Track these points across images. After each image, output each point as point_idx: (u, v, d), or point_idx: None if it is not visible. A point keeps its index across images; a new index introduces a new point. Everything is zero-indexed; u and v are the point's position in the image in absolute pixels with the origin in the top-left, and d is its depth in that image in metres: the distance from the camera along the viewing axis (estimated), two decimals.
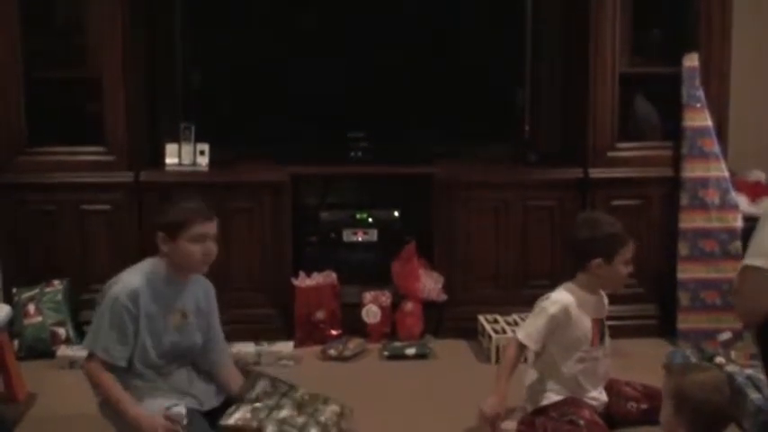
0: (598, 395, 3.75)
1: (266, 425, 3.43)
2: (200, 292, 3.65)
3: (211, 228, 3.53)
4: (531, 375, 3.80)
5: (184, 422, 3.37)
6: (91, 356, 3.45)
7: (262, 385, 3.58)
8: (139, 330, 3.44)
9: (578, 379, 3.72)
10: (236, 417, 3.45)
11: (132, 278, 3.47)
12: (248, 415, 3.46)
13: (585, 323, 3.71)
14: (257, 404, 3.51)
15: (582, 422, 3.55)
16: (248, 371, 3.78)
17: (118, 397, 3.41)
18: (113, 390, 3.42)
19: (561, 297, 3.71)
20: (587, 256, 3.67)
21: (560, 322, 3.67)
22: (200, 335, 3.64)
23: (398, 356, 4.69)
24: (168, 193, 3.65)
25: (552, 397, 3.68)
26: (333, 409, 3.63)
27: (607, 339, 3.82)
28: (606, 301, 3.83)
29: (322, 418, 3.55)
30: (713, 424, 2.96)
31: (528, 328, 3.72)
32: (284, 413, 3.51)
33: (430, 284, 4.86)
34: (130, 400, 3.41)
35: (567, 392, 3.68)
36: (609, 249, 3.64)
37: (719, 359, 4.32)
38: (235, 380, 3.70)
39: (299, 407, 3.56)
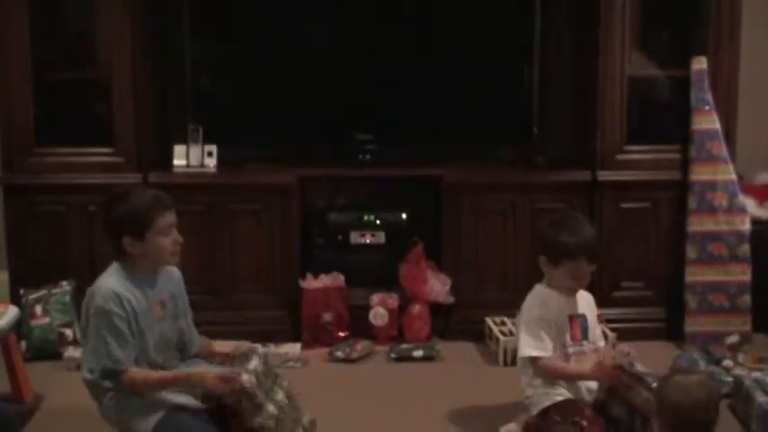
0: (591, 384, 3.73)
1: (266, 403, 3.43)
2: (170, 278, 3.63)
3: (174, 216, 3.48)
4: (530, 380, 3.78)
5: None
6: (114, 374, 3.39)
7: (255, 363, 3.54)
8: (133, 330, 3.43)
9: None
10: (244, 378, 3.40)
11: (108, 284, 3.41)
12: (254, 381, 3.41)
13: (561, 318, 3.71)
14: (260, 377, 3.48)
15: (585, 423, 3.55)
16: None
17: (162, 378, 3.42)
18: (157, 379, 3.42)
19: (533, 297, 3.78)
20: (541, 251, 3.75)
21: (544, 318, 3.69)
22: (183, 319, 3.65)
23: (405, 359, 4.69)
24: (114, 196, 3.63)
25: (554, 398, 3.67)
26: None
27: (596, 334, 3.81)
28: (583, 297, 3.79)
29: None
30: (684, 425, 2.93)
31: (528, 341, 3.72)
32: (279, 396, 3.52)
33: (437, 287, 4.86)
34: (172, 372, 3.45)
35: (565, 391, 3.68)
36: (555, 255, 3.67)
37: (727, 362, 4.32)
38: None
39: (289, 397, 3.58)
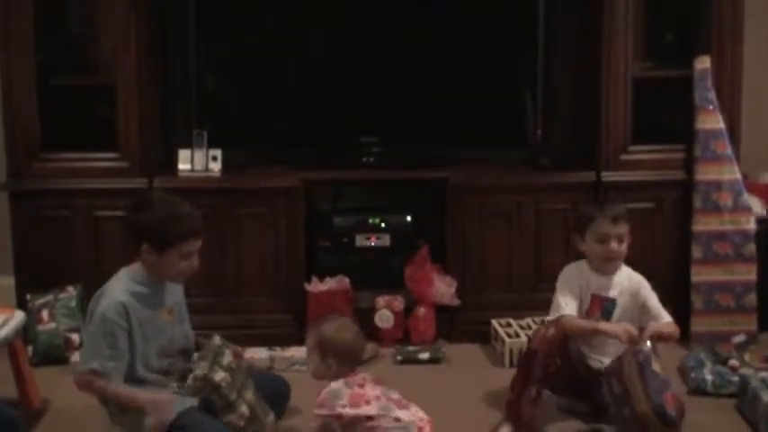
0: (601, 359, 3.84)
1: (238, 401, 3.51)
2: (174, 284, 3.67)
3: (199, 243, 3.53)
4: None
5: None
6: (88, 373, 3.45)
7: (228, 359, 3.59)
8: (134, 341, 3.46)
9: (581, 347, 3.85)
10: (218, 376, 3.49)
11: (117, 292, 3.46)
12: (229, 379, 3.52)
13: (586, 294, 3.83)
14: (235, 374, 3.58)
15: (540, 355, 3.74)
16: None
17: (124, 393, 3.45)
18: (117, 391, 3.45)
19: (570, 265, 3.99)
20: (574, 230, 3.99)
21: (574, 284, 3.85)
22: (187, 325, 3.72)
23: (411, 361, 4.69)
24: (147, 200, 3.66)
25: None
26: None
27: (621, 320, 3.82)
28: (626, 283, 3.87)
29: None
30: (352, 356, 3.60)
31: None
32: (249, 395, 3.59)
33: (443, 289, 4.86)
34: (134, 390, 3.46)
35: None
36: (581, 225, 3.89)
37: (733, 362, 4.31)
38: None
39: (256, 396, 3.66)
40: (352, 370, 3.57)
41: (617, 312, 3.81)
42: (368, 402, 3.47)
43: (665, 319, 3.81)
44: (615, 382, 3.59)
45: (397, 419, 3.47)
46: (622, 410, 3.56)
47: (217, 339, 3.64)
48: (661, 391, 3.50)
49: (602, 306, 3.80)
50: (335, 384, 3.50)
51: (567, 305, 3.78)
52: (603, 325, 3.73)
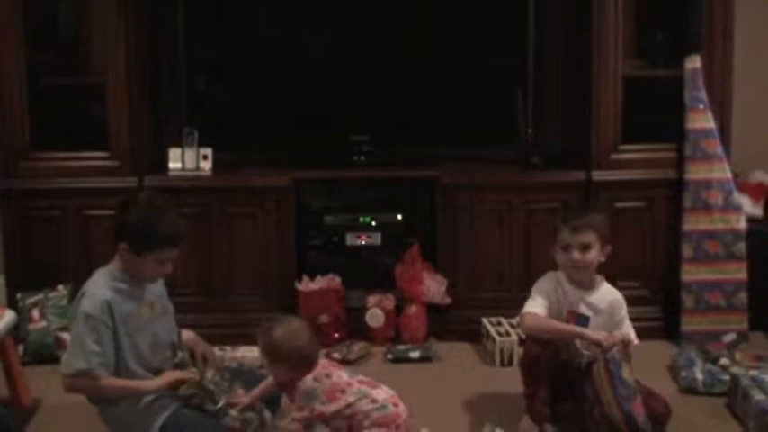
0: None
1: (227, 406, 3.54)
2: (155, 281, 3.68)
3: (176, 253, 3.55)
4: None
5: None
6: (76, 375, 3.45)
7: (211, 373, 3.62)
8: (120, 337, 3.46)
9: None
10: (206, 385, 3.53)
11: (99, 290, 3.47)
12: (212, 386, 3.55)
13: (563, 307, 3.81)
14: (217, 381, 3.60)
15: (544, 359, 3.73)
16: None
17: (129, 386, 3.48)
18: (121, 385, 3.47)
19: (548, 274, 3.91)
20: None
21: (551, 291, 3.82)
22: (170, 317, 3.73)
23: (402, 360, 4.69)
24: (135, 201, 3.63)
25: None
26: None
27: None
28: (603, 302, 3.83)
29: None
30: (304, 362, 3.49)
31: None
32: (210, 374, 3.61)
33: (434, 287, 4.86)
34: (138, 381, 3.49)
35: None
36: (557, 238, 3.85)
37: (724, 360, 4.31)
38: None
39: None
40: (309, 371, 3.52)
41: (589, 329, 3.77)
42: (343, 392, 3.50)
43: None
44: (588, 383, 3.62)
45: (374, 401, 3.51)
46: (593, 410, 3.60)
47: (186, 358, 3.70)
48: (630, 398, 3.55)
49: (575, 322, 3.76)
50: (307, 384, 3.49)
51: (534, 305, 3.77)
52: (582, 330, 3.70)
